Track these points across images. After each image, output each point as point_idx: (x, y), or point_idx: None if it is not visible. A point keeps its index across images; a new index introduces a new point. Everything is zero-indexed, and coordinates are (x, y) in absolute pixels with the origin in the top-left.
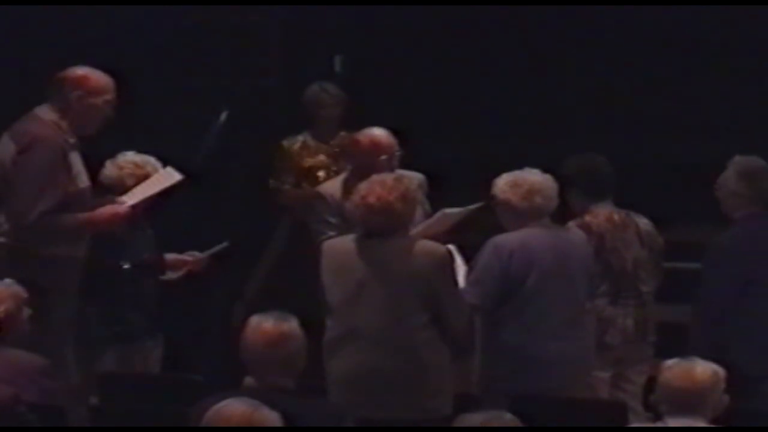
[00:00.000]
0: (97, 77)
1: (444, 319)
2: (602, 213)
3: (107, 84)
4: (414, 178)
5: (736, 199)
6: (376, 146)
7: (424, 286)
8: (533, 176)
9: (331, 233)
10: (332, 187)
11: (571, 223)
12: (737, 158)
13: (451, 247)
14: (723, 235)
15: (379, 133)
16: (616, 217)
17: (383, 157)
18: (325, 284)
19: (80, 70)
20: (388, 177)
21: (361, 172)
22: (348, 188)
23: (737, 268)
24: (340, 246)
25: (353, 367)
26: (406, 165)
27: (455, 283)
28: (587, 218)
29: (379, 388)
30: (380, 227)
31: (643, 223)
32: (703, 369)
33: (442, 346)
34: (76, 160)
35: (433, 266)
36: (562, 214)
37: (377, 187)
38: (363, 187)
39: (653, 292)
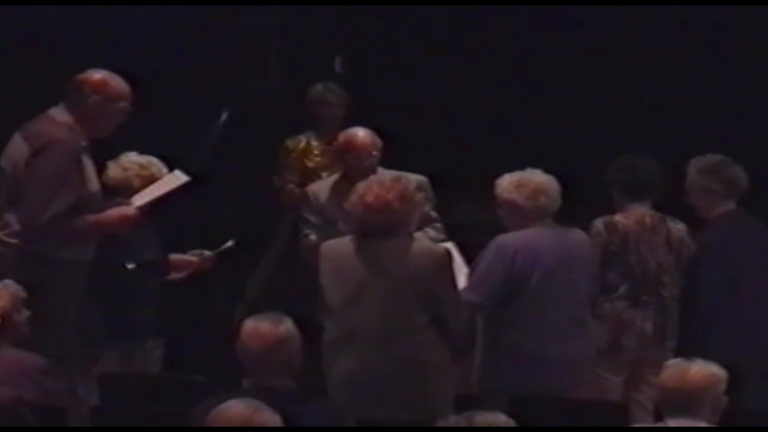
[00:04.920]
0: (116, 83)
1: (444, 319)
2: (634, 214)
3: (125, 90)
4: (415, 180)
5: (709, 196)
6: (348, 144)
7: (423, 287)
8: (537, 177)
9: (309, 232)
10: (318, 186)
11: (598, 221)
12: (692, 160)
13: (450, 244)
14: (704, 235)
15: (355, 132)
16: (648, 219)
17: (353, 155)
18: (324, 286)
19: (99, 75)
20: (386, 177)
21: (346, 173)
22: (336, 189)
23: (721, 267)
24: (338, 247)
25: (353, 368)
26: (407, 166)
27: (454, 283)
28: (617, 217)
29: (379, 389)
30: (378, 227)
31: (677, 229)
32: (699, 369)
33: (442, 346)
34: (87, 163)
35: (432, 266)
36: (566, 215)
37: (375, 186)
38: (361, 186)
39: (677, 297)
